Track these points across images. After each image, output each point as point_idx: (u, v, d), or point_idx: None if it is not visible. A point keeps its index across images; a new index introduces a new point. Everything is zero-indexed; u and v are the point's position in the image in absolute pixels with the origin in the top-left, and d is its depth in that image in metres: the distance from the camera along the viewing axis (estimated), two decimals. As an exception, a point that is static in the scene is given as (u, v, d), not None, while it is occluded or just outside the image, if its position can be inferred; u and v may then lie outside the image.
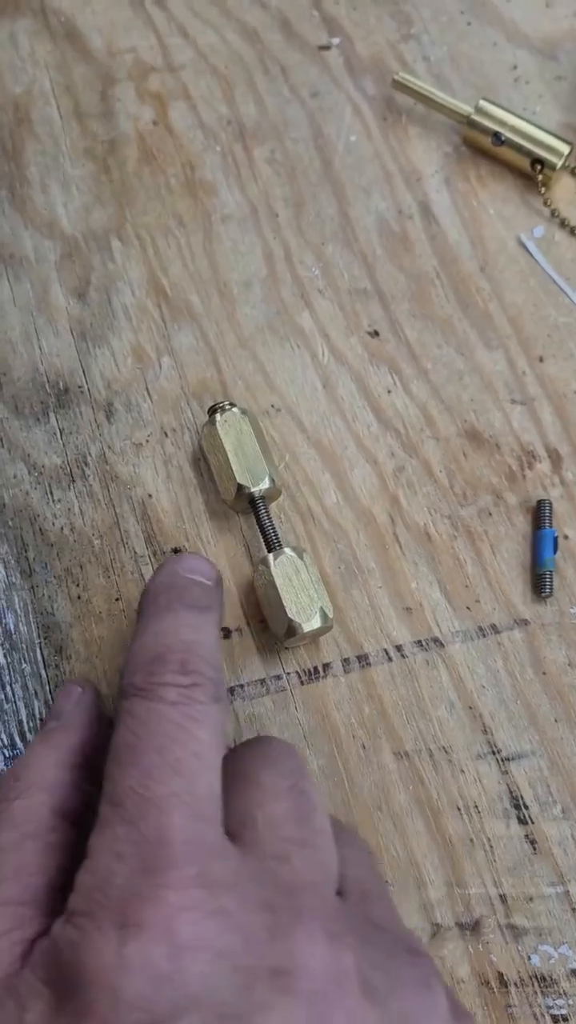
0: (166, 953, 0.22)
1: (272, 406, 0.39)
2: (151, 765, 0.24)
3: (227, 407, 0.37)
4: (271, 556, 0.34)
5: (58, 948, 0.23)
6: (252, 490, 0.35)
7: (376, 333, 0.41)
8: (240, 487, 0.35)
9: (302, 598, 0.34)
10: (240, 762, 0.27)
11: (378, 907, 0.26)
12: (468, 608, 0.36)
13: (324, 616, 0.34)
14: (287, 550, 0.34)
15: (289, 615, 0.33)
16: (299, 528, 0.37)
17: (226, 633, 0.35)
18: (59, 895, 0.25)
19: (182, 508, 0.37)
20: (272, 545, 0.35)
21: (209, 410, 0.37)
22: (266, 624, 0.35)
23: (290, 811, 0.26)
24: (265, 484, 0.36)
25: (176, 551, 0.36)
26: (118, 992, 0.21)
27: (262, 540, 0.35)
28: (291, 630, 0.33)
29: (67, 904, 0.23)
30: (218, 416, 0.36)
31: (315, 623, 0.33)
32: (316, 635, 0.34)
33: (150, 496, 0.37)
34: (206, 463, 0.38)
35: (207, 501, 0.37)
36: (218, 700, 0.26)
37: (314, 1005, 0.22)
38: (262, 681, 0.35)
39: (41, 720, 0.34)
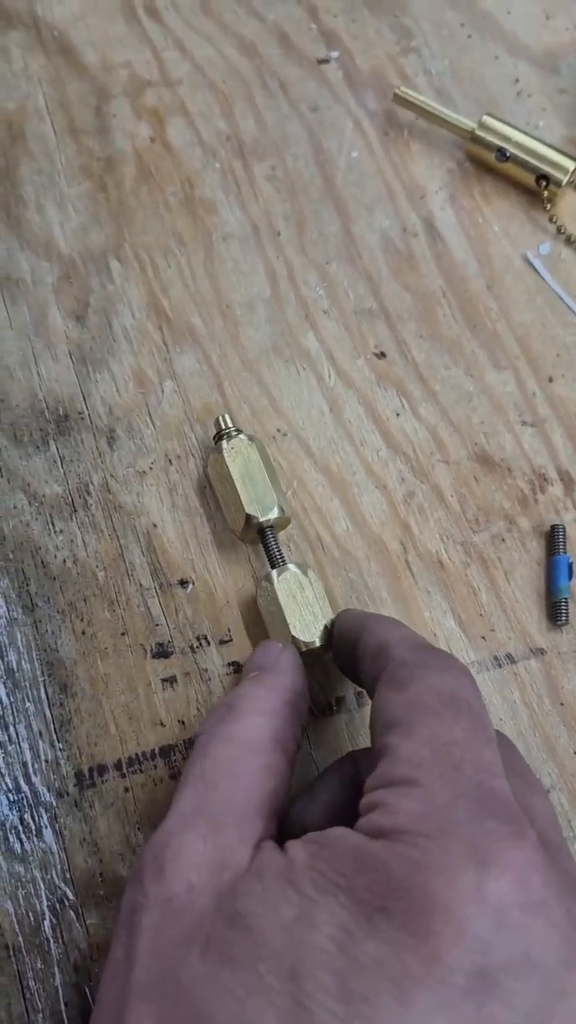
0: (520, 903, 0.21)
1: (278, 431, 0.38)
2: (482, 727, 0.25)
3: (234, 433, 0.36)
4: (275, 572, 0.33)
5: (379, 862, 0.22)
6: (261, 520, 0.34)
7: (383, 354, 0.40)
8: (249, 517, 0.34)
9: (306, 615, 0.33)
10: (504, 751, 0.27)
11: (568, 861, 0.25)
12: (483, 637, 0.35)
13: (328, 634, 0.33)
14: (291, 566, 0.34)
15: (292, 632, 0.32)
16: (309, 557, 0.36)
17: (235, 668, 0.34)
18: (272, 813, 0.26)
19: (188, 538, 0.36)
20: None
21: (215, 436, 0.36)
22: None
23: (549, 806, 0.27)
24: (274, 514, 0.35)
25: (183, 583, 0.35)
26: (465, 926, 0.21)
27: (270, 568, 0.34)
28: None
29: (372, 821, 0.23)
30: (224, 443, 0.35)
31: (318, 641, 0.32)
32: (320, 654, 0.33)
33: (155, 526, 0.36)
34: (212, 491, 0.37)
35: (214, 530, 0.36)
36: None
37: None
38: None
39: (46, 761, 0.33)
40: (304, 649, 0.32)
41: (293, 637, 0.32)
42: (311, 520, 0.37)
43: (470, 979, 0.20)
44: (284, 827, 0.28)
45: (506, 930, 0.21)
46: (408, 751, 0.24)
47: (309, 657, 0.32)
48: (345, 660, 0.31)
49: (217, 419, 0.36)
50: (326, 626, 0.33)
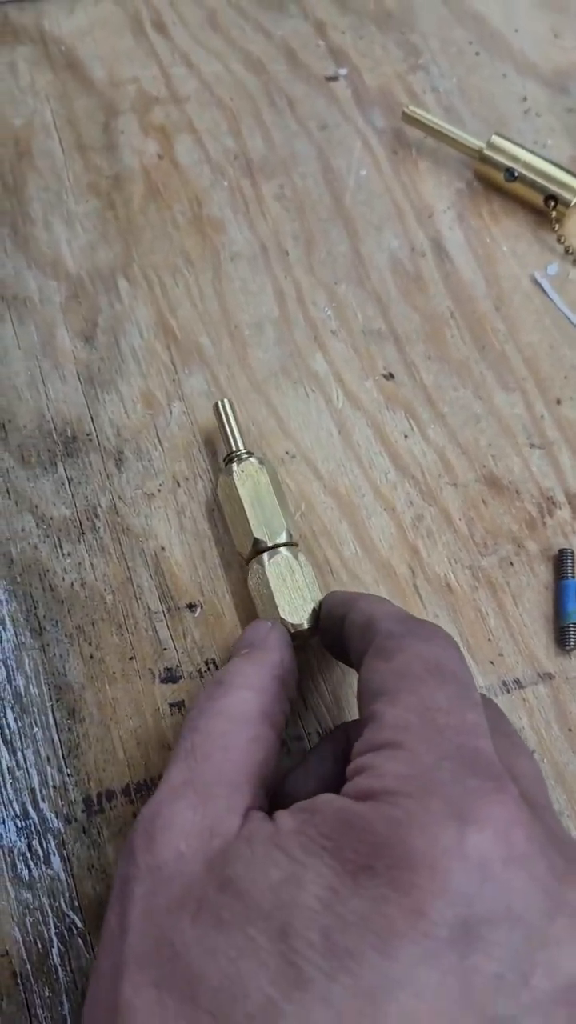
0: (502, 857, 0.22)
1: (287, 452, 0.38)
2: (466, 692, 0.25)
3: (244, 456, 0.36)
4: (266, 555, 0.34)
5: (364, 823, 0.23)
6: (268, 545, 0.34)
7: (391, 376, 0.40)
8: (256, 541, 0.34)
9: (295, 598, 0.33)
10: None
11: (553, 820, 0.26)
12: (491, 662, 0.35)
13: (316, 617, 0.33)
14: (283, 549, 0.34)
15: (281, 615, 0.33)
16: (317, 580, 0.36)
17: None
18: (261, 783, 0.27)
19: (197, 561, 0.36)
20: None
21: (225, 459, 0.36)
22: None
23: (535, 766, 0.28)
24: (282, 538, 0.34)
25: (191, 607, 0.35)
26: (448, 880, 0.21)
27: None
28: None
29: (358, 784, 0.24)
30: (235, 466, 0.35)
31: (307, 624, 0.33)
32: (308, 636, 0.33)
33: (163, 549, 0.36)
34: (221, 513, 0.36)
35: (223, 554, 0.36)
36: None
37: None
38: (283, 743, 0.34)
39: (54, 787, 0.33)
40: (293, 631, 0.32)
41: (282, 619, 0.32)
42: (319, 544, 0.37)
43: (453, 932, 0.21)
44: (278, 800, 0.28)
45: (488, 883, 0.21)
46: (393, 717, 0.25)
47: (298, 639, 0.33)
48: (332, 639, 0.32)
49: (216, 405, 0.37)
50: (315, 609, 0.33)
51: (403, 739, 0.24)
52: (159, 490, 0.37)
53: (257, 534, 0.34)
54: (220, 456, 0.38)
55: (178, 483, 0.37)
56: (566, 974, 0.22)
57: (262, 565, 0.33)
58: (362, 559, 0.37)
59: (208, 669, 0.35)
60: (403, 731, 0.24)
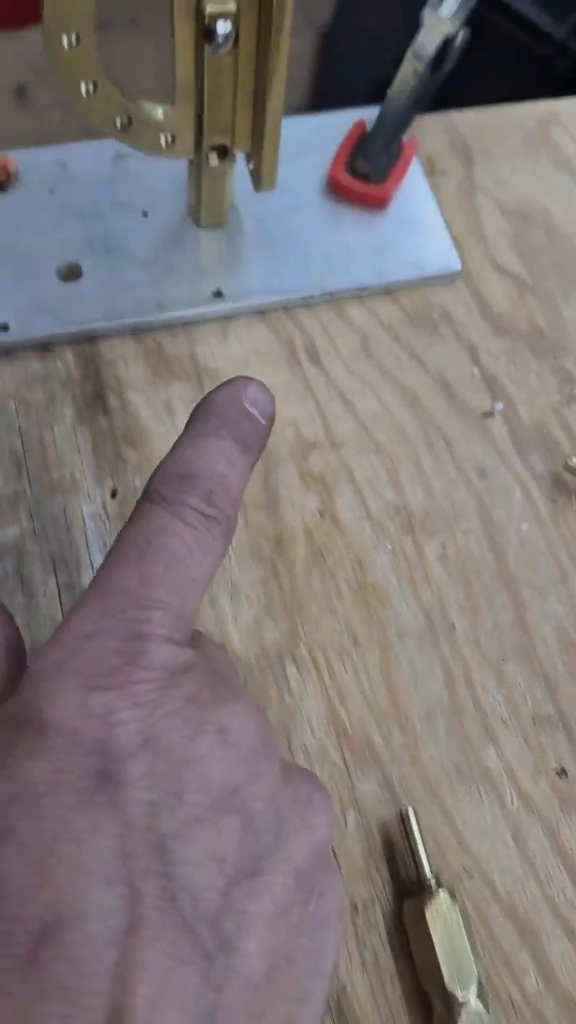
0: (126, 705, 0.24)
1: (464, 869, 0.38)
2: (152, 574, 0.26)
3: (434, 889, 0.35)
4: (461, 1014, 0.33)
5: (15, 707, 0.24)
6: (460, 1000, 0.34)
7: (564, 772, 0.39)
8: (448, 995, 0.34)
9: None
10: None
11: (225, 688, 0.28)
12: None
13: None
14: (472, 1000, 0.33)
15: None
16: (501, 1019, 0.35)
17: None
18: None
19: (377, 997, 0.36)
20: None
21: (414, 885, 0.36)
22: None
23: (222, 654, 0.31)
24: (473, 992, 0.34)
25: None
26: (77, 733, 0.23)
27: None
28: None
29: (28, 670, 0.25)
30: (427, 900, 0.35)
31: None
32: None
33: (345, 989, 0.36)
34: (403, 939, 0.36)
35: (405, 992, 0.36)
36: (227, 542, 0.28)
37: (251, 761, 0.25)
38: None
39: None
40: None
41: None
42: (500, 976, 0.36)
43: (95, 778, 0.23)
44: None
45: (118, 728, 0.23)
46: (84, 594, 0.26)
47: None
48: None
49: (399, 816, 0.37)
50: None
51: (67, 621, 0.25)
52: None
53: (450, 986, 0.34)
54: (403, 872, 0.37)
55: (356, 908, 0.37)
56: (219, 784, 0.24)
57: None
58: (544, 994, 0.36)
59: None
60: (71, 615, 0.26)
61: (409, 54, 0.50)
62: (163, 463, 0.29)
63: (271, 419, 0.31)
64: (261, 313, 0.48)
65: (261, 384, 0.31)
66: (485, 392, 0.47)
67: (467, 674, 0.41)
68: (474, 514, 0.44)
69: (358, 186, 0.50)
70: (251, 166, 0.46)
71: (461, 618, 0.42)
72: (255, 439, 0.30)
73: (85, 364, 0.46)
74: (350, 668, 0.41)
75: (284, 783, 0.26)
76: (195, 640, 0.28)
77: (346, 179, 0.50)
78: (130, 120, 0.43)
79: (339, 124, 0.52)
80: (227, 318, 0.48)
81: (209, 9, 0.39)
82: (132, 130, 0.43)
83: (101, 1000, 0.21)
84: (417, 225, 0.50)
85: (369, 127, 0.52)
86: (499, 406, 0.46)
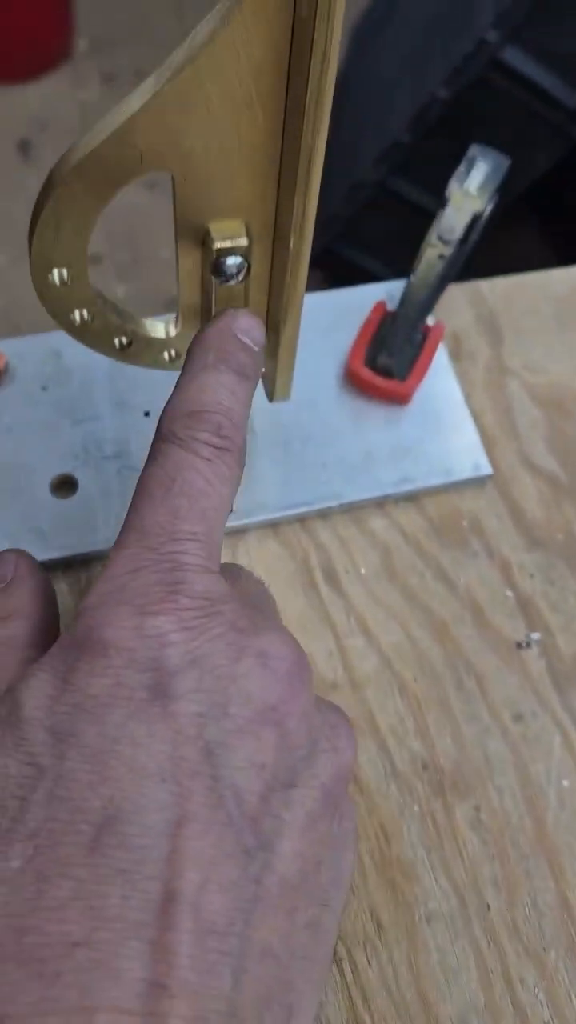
0: (175, 628, 0.26)
1: None
2: (180, 507, 0.28)
3: None
4: None
5: (76, 633, 0.27)
6: None
7: None
8: None
9: None
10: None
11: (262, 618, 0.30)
12: None
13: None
14: None
15: None
16: None
17: None
18: None
19: None
20: None
21: None
22: None
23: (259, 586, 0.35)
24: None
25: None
26: (134, 652, 0.26)
27: None
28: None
29: (82, 604, 0.27)
30: None
31: None
32: None
33: None
34: None
35: None
36: (241, 468, 0.31)
37: (287, 682, 0.27)
38: None
39: None
40: None
41: None
42: None
43: (150, 692, 0.25)
44: None
45: (169, 648, 0.26)
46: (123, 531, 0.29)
47: None
48: None
49: None
50: None
51: (112, 559, 0.28)
52: None
53: None
54: None
55: None
56: (259, 700, 0.26)
57: None
58: None
59: None
60: (115, 553, 0.28)
61: (432, 236, 0.47)
62: (170, 402, 0.31)
63: (263, 346, 0.33)
64: (274, 526, 0.44)
65: (250, 313, 0.33)
66: (520, 618, 0.43)
67: (504, 966, 0.37)
68: (510, 767, 0.40)
69: (380, 382, 0.46)
70: (263, 374, 0.42)
71: (497, 898, 0.38)
72: (252, 367, 0.32)
73: (79, 594, 0.42)
74: (374, 963, 0.37)
75: (315, 708, 0.29)
76: (236, 573, 0.33)
77: (367, 374, 0.46)
78: (130, 342, 0.39)
79: (358, 304, 0.49)
80: (237, 533, 0.44)
81: (217, 245, 0.35)
82: (131, 350, 0.39)
83: (155, 884, 0.23)
84: (443, 422, 0.46)
85: (390, 305, 0.48)
86: (535, 636, 0.42)
